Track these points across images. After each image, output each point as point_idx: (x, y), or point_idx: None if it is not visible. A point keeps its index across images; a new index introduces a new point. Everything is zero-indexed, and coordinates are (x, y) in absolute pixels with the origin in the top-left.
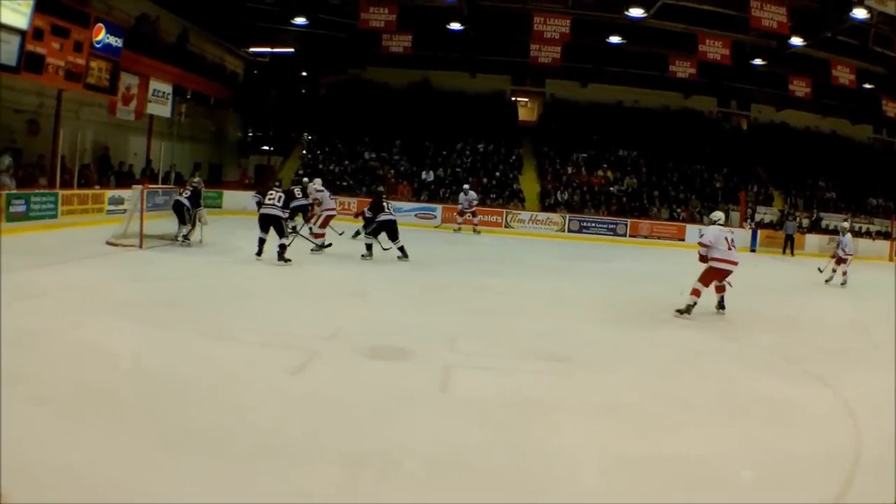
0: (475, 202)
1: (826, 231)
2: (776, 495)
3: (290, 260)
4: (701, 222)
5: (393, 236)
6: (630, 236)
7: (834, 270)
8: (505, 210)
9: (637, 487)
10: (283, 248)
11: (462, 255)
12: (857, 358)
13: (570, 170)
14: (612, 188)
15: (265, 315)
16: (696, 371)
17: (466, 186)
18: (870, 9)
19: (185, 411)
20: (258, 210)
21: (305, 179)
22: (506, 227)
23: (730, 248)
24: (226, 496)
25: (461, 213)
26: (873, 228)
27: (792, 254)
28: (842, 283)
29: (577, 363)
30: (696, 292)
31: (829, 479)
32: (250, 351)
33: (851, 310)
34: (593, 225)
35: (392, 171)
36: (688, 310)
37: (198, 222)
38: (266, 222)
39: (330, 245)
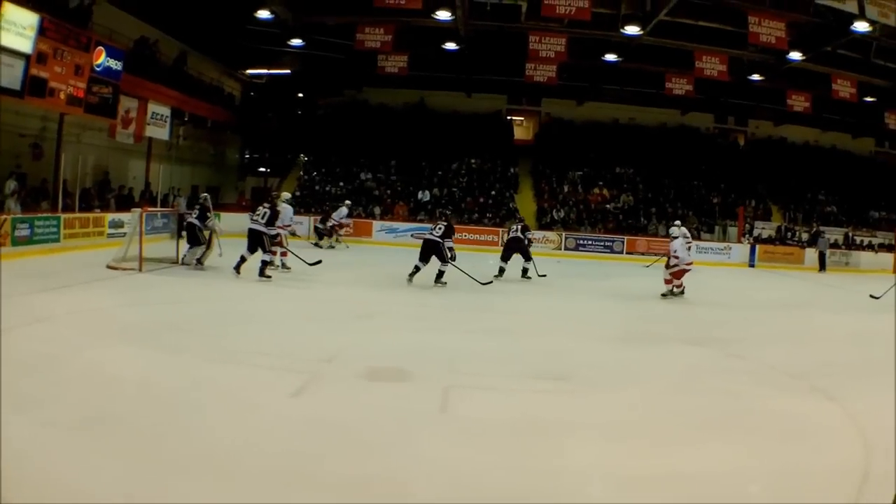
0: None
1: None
2: None
3: (270, 277)
4: (699, 238)
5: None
6: (627, 253)
7: (668, 282)
8: (501, 229)
9: None
10: (264, 264)
11: (459, 275)
12: (862, 372)
13: (566, 188)
14: (608, 206)
15: (267, 337)
16: (701, 388)
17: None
18: (872, 21)
19: (192, 435)
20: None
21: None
22: (502, 245)
23: (689, 254)
24: None
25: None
26: (876, 241)
27: (824, 270)
28: (672, 292)
29: (580, 382)
30: (668, 282)
31: (839, 494)
32: (254, 374)
33: (855, 323)
34: (590, 242)
35: (388, 192)
36: (669, 293)
37: (215, 239)
38: (249, 238)
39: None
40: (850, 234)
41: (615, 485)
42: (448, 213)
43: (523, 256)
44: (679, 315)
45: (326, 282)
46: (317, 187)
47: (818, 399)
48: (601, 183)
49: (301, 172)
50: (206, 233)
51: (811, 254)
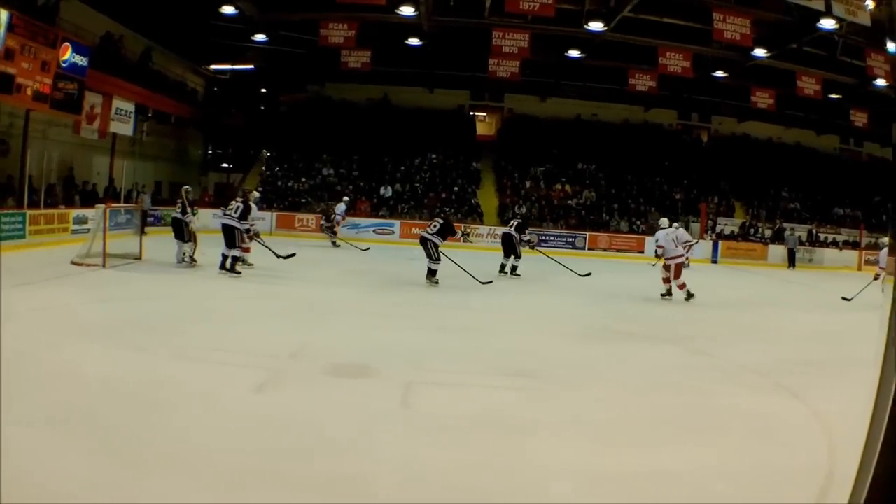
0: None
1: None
2: None
3: (240, 273)
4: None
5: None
6: (589, 249)
7: (666, 281)
8: (464, 225)
9: None
10: (234, 259)
11: (423, 272)
12: (827, 370)
13: (528, 184)
14: (570, 201)
15: (230, 334)
16: (667, 386)
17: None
18: (839, 19)
19: (155, 432)
20: None
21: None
22: (464, 241)
23: (676, 247)
24: None
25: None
26: (840, 238)
27: (794, 266)
28: (670, 292)
29: (545, 379)
30: (665, 280)
31: (805, 492)
32: (217, 370)
33: (820, 321)
34: (552, 238)
35: (350, 187)
36: (668, 293)
37: (196, 233)
38: (224, 233)
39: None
40: (815, 231)
41: (579, 482)
42: (447, 210)
43: (513, 254)
44: (644, 312)
45: (290, 278)
46: (279, 183)
47: (783, 397)
48: (563, 179)
49: (264, 168)
50: (192, 227)
51: (774, 250)
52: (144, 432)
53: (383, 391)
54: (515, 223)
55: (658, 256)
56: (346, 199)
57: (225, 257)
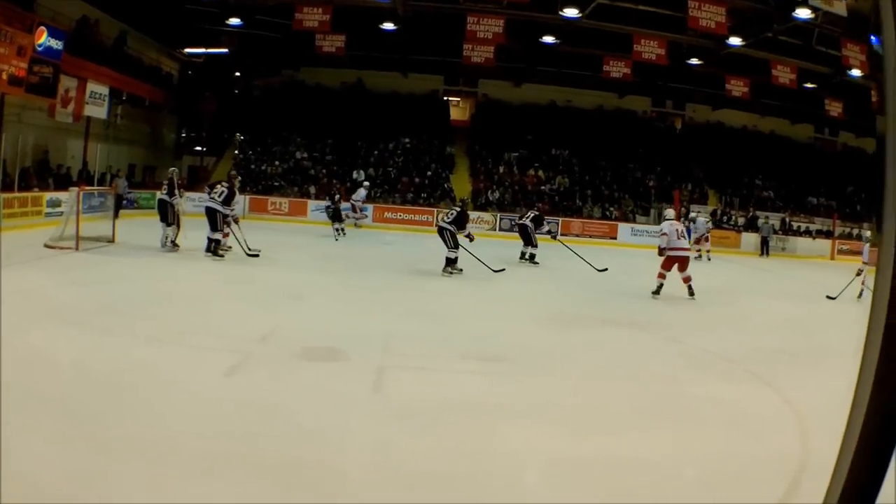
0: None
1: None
2: (721, 497)
3: (222, 255)
4: (634, 221)
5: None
6: (562, 235)
7: (660, 276)
8: (436, 209)
9: (577, 491)
10: (210, 241)
11: (396, 256)
12: (798, 358)
13: (502, 169)
14: (544, 187)
15: (201, 318)
16: (636, 372)
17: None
18: (814, 8)
19: (125, 416)
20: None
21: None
22: (437, 226)
23: (679, 238)
24: (165, 501)
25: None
26: (814, 227)
27: (767, 255)
28: (661, 288)
29: (514, 364)
30: (661, 275)
31: (775, 480)
32: (188, 354)
33: (792, 309)
34: None
35: (324, 171)
36: (658, 290)
37: (182, 218)
38: (207, 216)
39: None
40: (788, 220)
41: (547, 467)
42: (464, 200)
43: (529, 243)
44: (615, 299)
45: (263, 262)
46: (252, 166)
47: (755, 385)
48: (537, 164)
49: (237, 151)
50: (178, 209)
51: (747, 238)
52: (114, 416)
53: (354, 375)
54: (532, 215)
55: (661, 250)
56: (366, 183)
57: (210, 240)
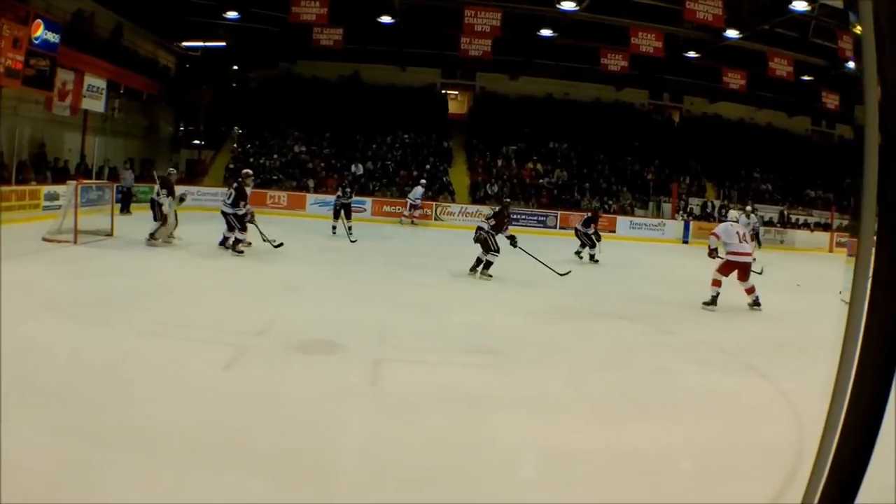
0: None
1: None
2: (718, 489)
3: (241, 252)
4: (633, 214)
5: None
6: (560, 228)
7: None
8: (435, 203)
9: (572, 482)
10: (225, 238)
11: (393, 249)
12: (793, 350)
13: (500, 162)
14: (542, 181)
15: (198, 311)
16: (632, 364)
17: None
18: (811, 1)
19: (121, 409)
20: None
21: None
22: (436, 219)
23: (741, 242)
24: (160, 494)
25: None
26: (812, 220)
27: (759, 245)
28: (716, 299)
29: (510, 357)
30: (716, 283)
31: (772, 471)
32: (183, 347)
33: (788, 301)
34: (523, 217)
35: (322, 164)
36: (713, 301)
37: (170, 217)
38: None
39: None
40: (786, 213)
41: (543, 459)
42: (507, 199)
43: (587, 244)
44: (610, 291)
45: (259, 255)
46: (251, 160)
47: (750, 376)
48: (535, 158)
49: (235, 145)
50: (166, 207)
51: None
52: (109, 408)
53: (351, 368)
54: (586, 216)
55: (711, 251)
56: (422, 181)
57: (226, 238)
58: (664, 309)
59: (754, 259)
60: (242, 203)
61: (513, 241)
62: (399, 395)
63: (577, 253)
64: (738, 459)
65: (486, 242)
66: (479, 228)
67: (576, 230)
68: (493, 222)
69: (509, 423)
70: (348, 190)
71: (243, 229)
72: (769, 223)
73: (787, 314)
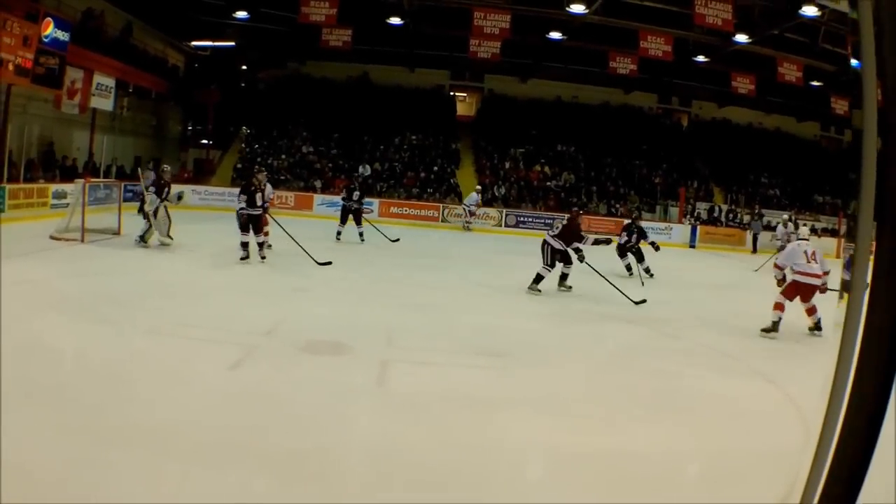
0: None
1: (768, 228)
2: (724, 492)
3: (263, 258)
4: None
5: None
6: None
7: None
8: (442, 204)
9: (578, 484)
10: (254, 245)
11: (400, 251)
12: (799, 354)
13: (507, 165)
14: (549, 183)
15: (205, 310)
16: (638, 367)
17: None
18: (821, 6)
19: (128, 408)
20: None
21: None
22: (442, 221)
23: (809, 262)
24: (166, 494)
25: None
26: (819, 225)
27: (755, 252)
28: (776, 322)
29: (517, 358)
30: (778, 306)
31: (779, 475)
32: (190, 347)
33: (793, 307)
34: (530, 220)
35: (329, 165)
36: (774, 327)
37: (152, 219)
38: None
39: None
40: (794, 218)
41: (549, 460)
42: (577, 209)
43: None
44: (616, 294)
45: (266, 255)
46: (259, 160)
47: (757, 381)
48: (543, 160)
49: (243, 145)
50: (153, 208)
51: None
52: (114, 406)
53: (358, 368)
54: (628, 225)
55: (779, 283)
56: (478, 187)
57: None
58: (671, 312)
59: (824, 282)
60: (247, 199)
61: (580, 255)
62: (406, 396)
63: (628, 267)
64: (744, 463)
65: (546, 256)
66: (546, 243)
67: (622, 247)
68: (557, 232)
69: (516, 424)
70: (357, 193)
71: (258, 232)
72: (770, 227)
73: (794, 319)
